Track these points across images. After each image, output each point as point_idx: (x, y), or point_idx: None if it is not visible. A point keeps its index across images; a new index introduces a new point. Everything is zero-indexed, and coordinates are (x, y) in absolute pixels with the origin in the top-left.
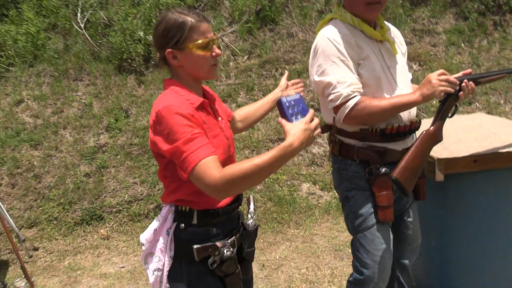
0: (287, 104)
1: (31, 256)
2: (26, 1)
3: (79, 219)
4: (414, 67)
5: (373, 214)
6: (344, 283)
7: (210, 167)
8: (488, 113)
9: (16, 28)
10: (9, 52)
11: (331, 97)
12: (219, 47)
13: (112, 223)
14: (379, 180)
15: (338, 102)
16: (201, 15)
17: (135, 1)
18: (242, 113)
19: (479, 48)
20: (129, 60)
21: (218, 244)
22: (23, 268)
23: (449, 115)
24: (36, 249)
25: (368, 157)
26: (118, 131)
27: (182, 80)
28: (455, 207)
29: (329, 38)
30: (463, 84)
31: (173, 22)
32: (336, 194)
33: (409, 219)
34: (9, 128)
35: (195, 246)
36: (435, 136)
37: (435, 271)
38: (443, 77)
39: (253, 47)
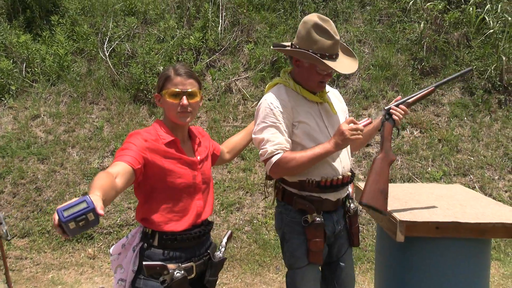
0: None
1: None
2: (60, 25)
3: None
4: (415, 133)
5: (305, 256)
6: None
7: (110, 166)
8: (481, 187)
9: (46, 48)
10: (36, 69)
11: (260, 152)
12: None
13: (101, 243)
14: (313, 228)
15: (264, 157)
16: (184, 71)
17: (161, 38)
18: (230, 144)
19: (481, 124)
20: (145, 91)
21: (172, 266)
22: (6, 275)
23: (393, 137)
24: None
25: (305, 207)
26: None
27: (166, 120)
28: (416, 268)
29: (268, 102)
30: (391, 110)
31: (163, 72)
32: None
33: (342, 264)
34: (21, 140)
35: (144, 263)
36: (388, 157)
37: None
38: (353, 126)
39: (263, 95)
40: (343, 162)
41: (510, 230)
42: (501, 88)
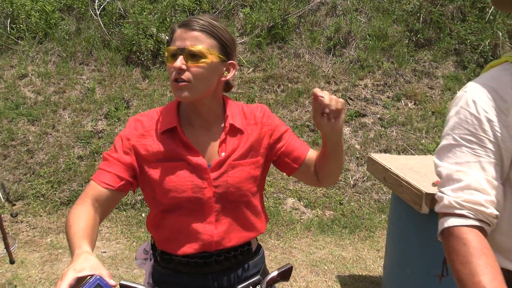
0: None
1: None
2: None
3: (66, 199)
4: (410, 105)
5: None
6: None
7: (86, 191)
8: None
9: (32, 3)
10: (21, 26)
11: (437, 194)
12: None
13: None
14: None
15: (437, 208)
16: (192, 21)
17: None
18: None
19: None
20: (138, 53)
21: None
22: (4, 239)
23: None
24: (15, 215)
25: None
26: (116, 120)
27: None
28: (438, 240)
29: (469, 99)
30: None
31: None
32: (319, 212)
33: None
34: (9, 100)
35: (120, 282)
36: None
37: None
38: None
39: (259, 60)
40: None
41: None
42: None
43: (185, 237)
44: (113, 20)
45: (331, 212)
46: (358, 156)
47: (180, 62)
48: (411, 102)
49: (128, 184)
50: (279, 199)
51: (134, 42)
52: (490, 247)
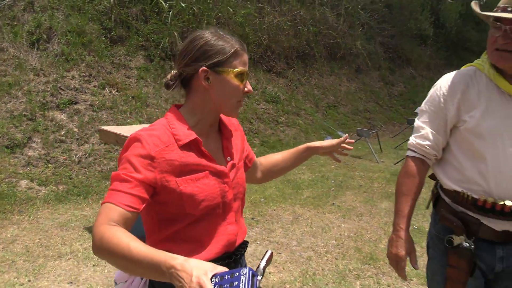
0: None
1: None
2: None
3: None
4: (113, 92)
5: (443, 283)
6: (75, 244)
7: (106, 214)
8: None
9: None
10: None
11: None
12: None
13: None
14: (456, 254)
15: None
16: (244, 45)
17: None
18: (267, 161)
19: (161, 84)
20: None
21: None
22: None
23: None
24: None
25: (452, 225)
26: None
27: (193, 108)
28: None
29: (440, 86)
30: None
31: (216, 39)
32: (53, 188)
33: None
34: None
35: None
36: None
37: None
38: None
39: None
40: None
41: None
42: (171, 57)
43: (213, 242)
44: None
45: (64, 186)
46: (77, 137)
47: (249, 85)
48: (114, 89)
49: (147, 203)
50: (12, 183)
51: None
52: (413, 171)
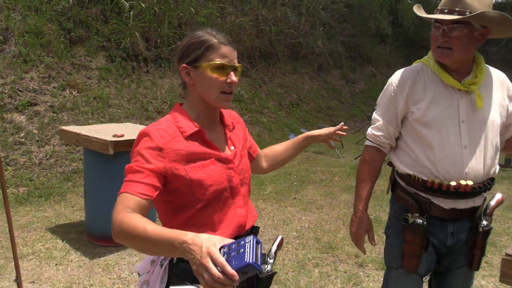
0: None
1: None
2: None
3: None
4: (74, 93)
5: (400, 258)
6: (37, 245)
7: (123, 202)
8: None
9: None
10: None
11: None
12: None
13: None
14: (411, 230)
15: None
16: (229, 40)
17: None
18: (270, 152)
19: (122, 84)
20: None
21: None
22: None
23: None
24: None
25: (407, 204)
26: None
27: (191, 103)
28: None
29: (391, 82)
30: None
31: (196, 38)
32: (13, 190)
33: (450, 280)
34: None
35: (170, 287)
36: None
37: None
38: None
39: None
40: (469, 166)
41: None
42: (133, 57)
43: (223, 225)
44: None
45: (25, 188)
46: (38, 139)
47: (234, 76)
48: (75, 90)
49: (159, 192)
50: None
51: None
52: (370, 158)
